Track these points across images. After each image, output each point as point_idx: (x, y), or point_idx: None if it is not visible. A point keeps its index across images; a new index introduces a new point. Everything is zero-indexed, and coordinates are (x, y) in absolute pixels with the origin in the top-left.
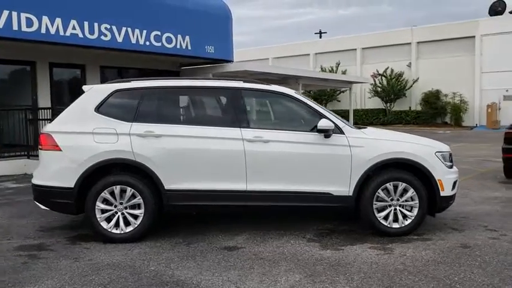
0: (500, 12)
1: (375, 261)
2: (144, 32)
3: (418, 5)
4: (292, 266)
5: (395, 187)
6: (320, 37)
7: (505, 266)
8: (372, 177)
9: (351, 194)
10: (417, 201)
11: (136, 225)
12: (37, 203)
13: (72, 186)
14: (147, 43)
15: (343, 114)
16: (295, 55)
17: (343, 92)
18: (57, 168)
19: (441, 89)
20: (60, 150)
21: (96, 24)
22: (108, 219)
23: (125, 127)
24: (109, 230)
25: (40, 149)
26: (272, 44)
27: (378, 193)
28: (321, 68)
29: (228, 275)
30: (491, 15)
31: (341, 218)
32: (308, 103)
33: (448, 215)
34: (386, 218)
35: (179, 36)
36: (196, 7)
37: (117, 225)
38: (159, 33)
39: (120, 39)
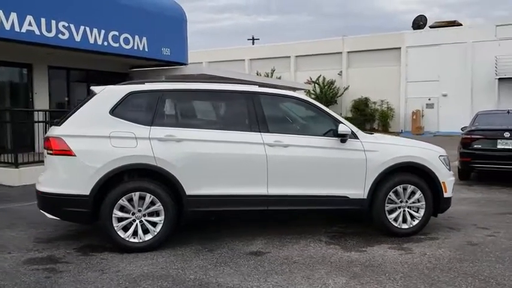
0: (422, 27)
1: (403, 261)
2: (103, 31)
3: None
4: (329, 268)
5: (405, 189)
6: (253, 43)
7: None
8: (384, 181)
9: (365, 197)
10: (423, 203)
11: (155, 233)
12: (44, 212)
13: (88, 193)
14: (105, 43)
15: None
16: (230, 60)
17: None
18: (70, 174)
19: (370, 96)
20: (74, 155)
21: (53, 22)
22: (125, 228)
23: (143, 131)
24: (127, 239)
25: (49, 153)
26: (203, 48)
27: (390, 195)
28: (257, 74)
29: (273, 280)
30: (414, 29)
31: (344, 220)
32: (322, 108)
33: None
34: (396, 219)
35: (136, 37)
36: (153, 8)
37: (134, 233)
38: (116, 33)
39: (78, 38)
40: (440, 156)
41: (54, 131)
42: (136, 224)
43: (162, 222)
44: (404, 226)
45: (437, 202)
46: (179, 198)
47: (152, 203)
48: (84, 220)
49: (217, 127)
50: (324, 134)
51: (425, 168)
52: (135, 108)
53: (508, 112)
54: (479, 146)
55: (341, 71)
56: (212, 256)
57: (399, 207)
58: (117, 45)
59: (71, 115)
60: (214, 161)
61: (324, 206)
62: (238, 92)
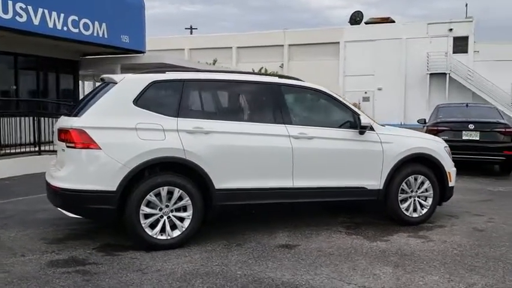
0: (358, 22)
1: (430, 249)
2: (62, 15)
3: (263, 9)
4: (368, 259)
5: (415, 180)
6: (191, 33)
7: None
8: (398, 171)
9: (381, 187)
10: (431, 192)
11: (184, 229)
12: (63, 211)
13: (115, 189)
14: (65, 28)
15: None
16: (169, 49)
17: None
18: (95, 169)
19: None
20: (99, 148)
21: (10, 2)
22: (151, 225)
23: (171, 122)
24: (154, 236)
25: (70, 146)
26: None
27: (402, 186)
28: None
29: (323, 273)
30: (351, 24)
31: (347, 211)
32: (341, 100)
33: None
34: (407, 208)
35: (96, 23)
36: None
37: (162, 230)
38: (76, 18)
39: (36, 21)
40: (445, 147)
41: (73, 122)
42: (164, 220)
43: (191, 217)
44: (415, 215)
45: (443, 191)
46: (208, 193)
47: (180, 198)
48: (109, 218)
49: (243, 119)
50: (343, 126)
51: (434, 159)
52: (159, 99)
53: (467, 105)
54: (445, 137)
55: (282, 64)
56: (245, 251)
57: (410, 197)
58: (76, 30)
59: (87, 105)
60: (242, 153)
61: (344, 198)
62: (262, 83)
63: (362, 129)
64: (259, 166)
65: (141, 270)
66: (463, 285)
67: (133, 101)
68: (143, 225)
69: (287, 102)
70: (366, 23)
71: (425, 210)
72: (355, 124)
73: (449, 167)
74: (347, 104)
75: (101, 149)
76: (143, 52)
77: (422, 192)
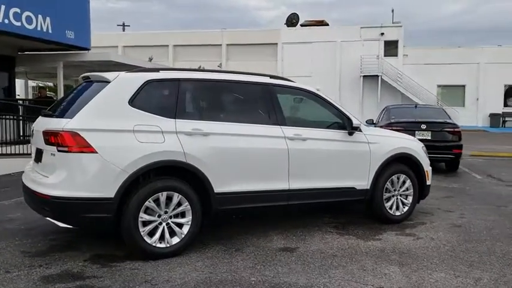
0: (295, 24)
1: (423, 246)
2: (3, 7)
3: (189, 6)
4: (372, 258)
5: (398, 179)
6: (123, 30)
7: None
8: (383, 171)
9: (368, 187)
10: (411, 191)
11: (183, 236)
12: (54, 221)
13: (112, 196)
14: (6, 21)
15: None
16: (101, 46)
17: None
18: (91, 175)
19: None
20: (95, 152)
21: None
22: (150, 233)
23: (169, 124)
24: (154, 244)
25: (62, 150)
26: None
27: (387, 185)
28: None
29: (337, 275)
30: (288, 26)
31: (330, 212)
32: (330, 101)
33: None
34: (391, 207)
35: (40, 17)
36: None
37: (161, 238)
38: (18, 10)
39: None
40: (422, 147)
41: (65, 124)
42: (163, 227)
43: (190, 223)
44: (397, 213)
45: (421, 189)
46: (207, 197)
47: (179, 204)
48: (106, 227)
49: (240, 120)
50: (333, 127)
51: (414, 158)
52: (154, 99)
53: (416, 106)
54: None
55: (220, 63)
56: (247, 256)
57: (393, 196)
58: (18, 24)
59: (75, 106)
60: (240, 156)
61: (336, 198)
62: (258, 84)
63: (353, 130)
64: (257, 168)
65: (148, 281)
66: (471, 280)
67: (128, 101)
68: (142, 234)
69: (281, 103)
70: (302, 25)
71: (406, 208)
72: (345, 125)
73: (427, 166)
74: (336, 105)
75: (97, 152)
76: (88, 49)
77: (404, 191)
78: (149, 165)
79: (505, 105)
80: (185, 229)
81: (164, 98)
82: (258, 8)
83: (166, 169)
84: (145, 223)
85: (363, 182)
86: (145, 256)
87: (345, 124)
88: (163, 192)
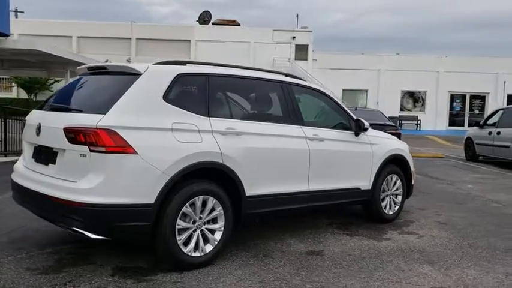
0: (207, 22)
1: (432, 244)
2: None
3: None
4: (399, 258)
5: (391, 179)
6: (16, 16)
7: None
8: (381, 172)
9: (370, 187)
10: (401, 190)
11: (216, 243)
12: (84, 233)
13: (153, 202)
14: None
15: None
16: None
17: (57, 81)
18: (130, 178)
19: None
20: (135, 153)
21: None
22: (185, 241)
23: (204, 122)
24: (189, 254)
25: (97, 151)
26: None
27: (383, 185)
28: None
29: (380, 276)
30: (200, 24)
31: (324, 213)
32: (337, 101)
33: None
34: (385, 206)
35: None
36: None
37: (195, 246)
38: None
39: None
40: (407, 148)
41: (99, 120)
42: (198, 234)
43: (222, 229)
44: (390, 212)
45: (408, 189)
46: (238, 200)
47: (213, 208)
48: (143, 237)
49: (268, 119)
50: (343, 128)
51: (405, 159)
52: (187, 94)
53: (356, 109)
54: None
55: (130, 58)
56: (280, 261)
57: (387, 196)
58: None
59: (99, 100)
60: (270, 156)
61: (345, 199)
62: (280, 82)
63: (362, 131)
64: (284, 170)
65: None
66: (501, 275)
67: (163, 97)
68: (179, 242)
69: (299, 103)
70: (213, 23)
71: (397, 208)
72: (352, 126)
73: (412, 167)
74: (341, 105)
75: (137, 153)
76: (7, 35)
77: (395, 190)
78: (189, 167)
79: (401, 109)
80: (218, 236)
81: (196, 94)
82: (151, 3)
83: (201, 171)
84: (181, 231)
85: (366, 183)
86: (178, 267)
87: (352, 125)
88: (200, 197)
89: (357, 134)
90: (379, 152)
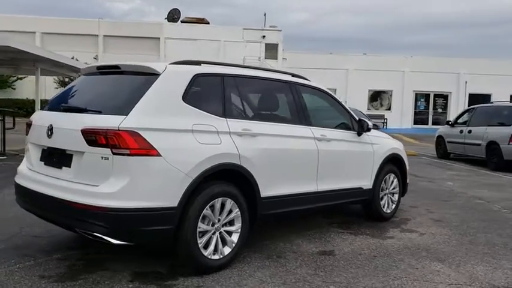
0: (176, 20)
1: (434, 241)
2: None
3: None
4: (410, 256)
5: (389, 178)
6: None
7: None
8: (381, 171)
9: (371, 187)
10: (397, 189)
11: (233, 245)
12: (106, 238)
13: (176, 205)
14: None
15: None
16: None
17: (20, 79)
18: (155, 181)
19: None
20: (158, 155)
21: None
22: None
23: (222, 124)
24: (209, 257)
25: (121, 153)
26: None
27: (382, 184)
28: None
29: (397, 275)
30: (169, 21)
31: (321, 212)
32: (341, 102)
33: None
34: (384, 205)
35: None
36: None
37: (214, 249)
38: None
39: None
40: (403, 147)
41: (121, 122)
42: (217, 237)
43: (239, 231)
44: (388, 211)
45: (404, 187)
46: (254, 202)
47: (230, 210)
48: (164, 241)
49: (280, 120)
50: (346, 128)
51: (401, 158)
52: (203, 95)
53: None
54: None
55: (97, 55)
56: (295, 262)
57: (385, 195)
58: None
59: (127, 101)
60: (283, 157)
61: (348, 199)
62: (289, 82)
63: (366, 131)
64: (295, 170)
65: None
66: (510, 271)
67: (182, 97)
68: (200, 245)
69: (307, 103)
70: (183, 21)
71: (393, 206)
72: (354, 126)
73: (407, 166)
74: (344, 104)
75: (160, 155)
76: None
77: (392, 189)
78: (211, 168)
79: (368, 108)
80: (234, 238)
81: (212, 94)
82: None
83: (221, 173)
84: (201, 234)
85: (368, 182)
86: (199, 270)
87: (355, 125)
88: (219, 199)
89: (359, 134)
90: (380, 152)
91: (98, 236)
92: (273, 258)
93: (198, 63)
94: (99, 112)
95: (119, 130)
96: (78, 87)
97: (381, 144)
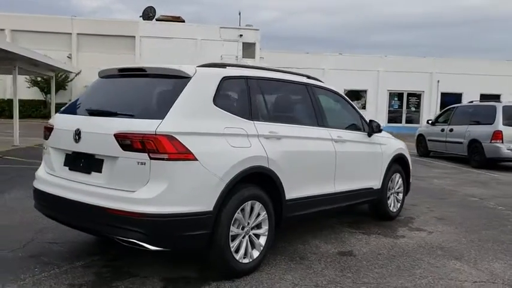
0: (151, 18)
1: (445, 240)
2: None
3: None
4: (427, 255)
5: (395, 177)
6: None
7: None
8: (388, 171)
9: (380, 187)
10: (402, 188)
11: (261, 248)
12: (144, 245)
13: (211, 209)
14: None
15: None
16: None
17: None
18: (192, 186)
19: None
20: (195, 159)
21: None
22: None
23: (251, 127)
24: (240, 261)
25: (159, 158)
26: None
27: (389, 184)
28: None
29: (422, 274)
30: (144, 19)
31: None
32: (351, 102)
33: None
34: (390, 204)
35: None
36: None
37: (244, 253)
38: None
39: None
40: (406, 147)
41: (157, 126)
42: (246, 240)
43: (266, 234)
44: (394, 210)
45: (407, 186)
46: (279, 204)
47: (258, 213)
48: (200, 246)
49: (301, 122)
50: (358, 129)
51: (405, 158)
52: (231, 98)
53: None
54: None
55: (70, 54)
56: (319, 263)
57: (391, 194)
58: None
59: (160, 104)
60: (306, 159)
61: (361, 199)
62: (306, 85)
63: (378, 132)
64: (316, 172)
65: None
66: None
67: (212, 101)
68: (232, 249)
69: (323, 105)
70: (158, 19)
71: (399, 205)
72: (365, 127)
73: (411, 165)
74: (354, 105)
75: (197, 160)
76: None
77: (398, 188)
78: (243, 172)
79: None
80: (262, 241)
81: (238, 97)
82: None
83: (251, 176)
84: (233, 237)
85: (377, 182)
86: (231, 274)
87: (365, 126)
88: (249, 202)
89: (369, 135)
90: (388, 152)
91: (134, 242)
92: (296, 260)
93: (223, 65)
94: (132, 116)
95: (156, 134)
96: (100, 91)
97: (388, 144)
